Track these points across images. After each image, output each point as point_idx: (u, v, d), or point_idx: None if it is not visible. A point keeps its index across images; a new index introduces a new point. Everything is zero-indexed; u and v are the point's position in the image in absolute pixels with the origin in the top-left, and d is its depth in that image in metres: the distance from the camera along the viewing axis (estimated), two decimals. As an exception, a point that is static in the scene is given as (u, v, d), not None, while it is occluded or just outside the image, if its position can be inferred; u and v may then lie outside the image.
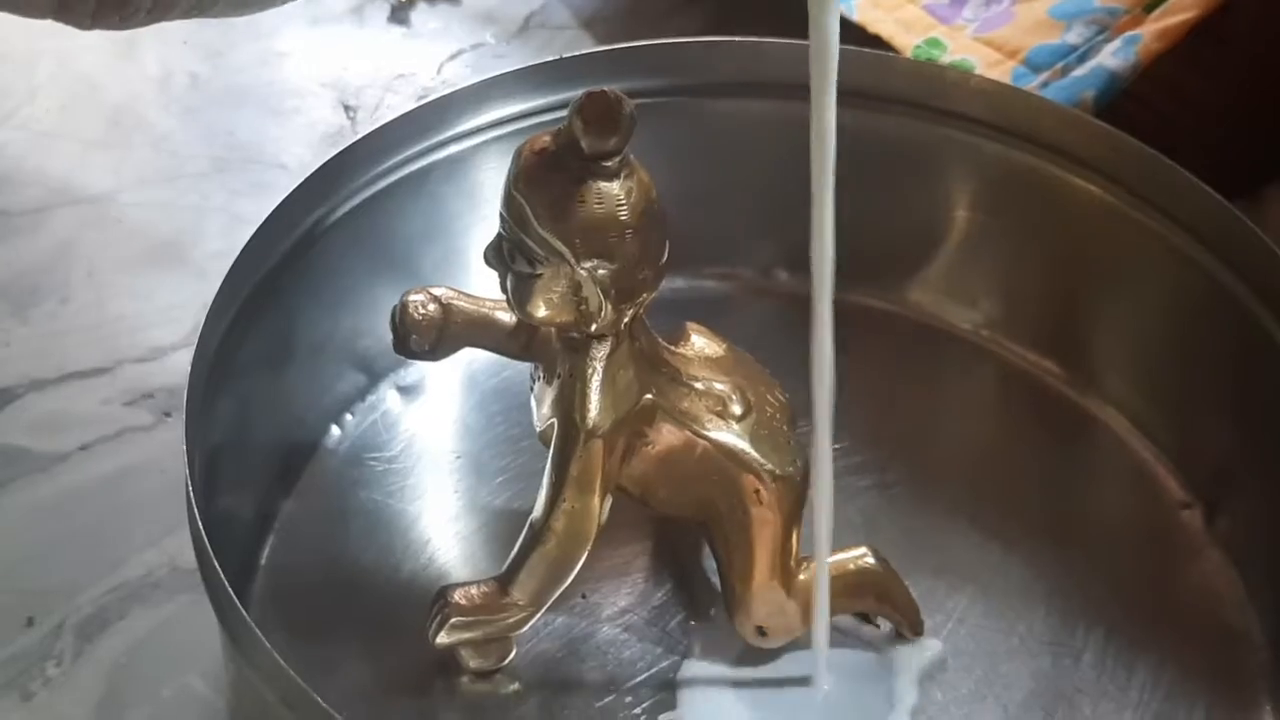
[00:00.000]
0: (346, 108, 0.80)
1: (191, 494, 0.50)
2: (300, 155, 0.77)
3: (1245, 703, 0.56)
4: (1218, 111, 0.71)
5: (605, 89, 0.49)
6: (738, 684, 0.56)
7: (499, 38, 0.85)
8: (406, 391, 0.65)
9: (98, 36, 0.83)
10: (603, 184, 0.49)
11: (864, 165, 0.67)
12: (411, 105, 0.65)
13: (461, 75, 0.82)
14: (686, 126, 0.68)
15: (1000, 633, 0.57)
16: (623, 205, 0.49)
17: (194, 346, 0.54)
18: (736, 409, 0.55)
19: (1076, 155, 0.64)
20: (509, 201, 0.50)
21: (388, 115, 0.64)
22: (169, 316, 0.69)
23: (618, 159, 0.49)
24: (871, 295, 0.69)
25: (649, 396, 0.53)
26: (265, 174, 0.76)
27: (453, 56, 0.84)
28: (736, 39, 0.67)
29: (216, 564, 0.48)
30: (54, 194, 0.76)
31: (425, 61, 0.83)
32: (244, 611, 0.48)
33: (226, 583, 0.48)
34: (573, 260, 0.50)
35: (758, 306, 0.69)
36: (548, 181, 0.49)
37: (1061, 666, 0.56)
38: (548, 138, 0.50)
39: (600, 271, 0.50)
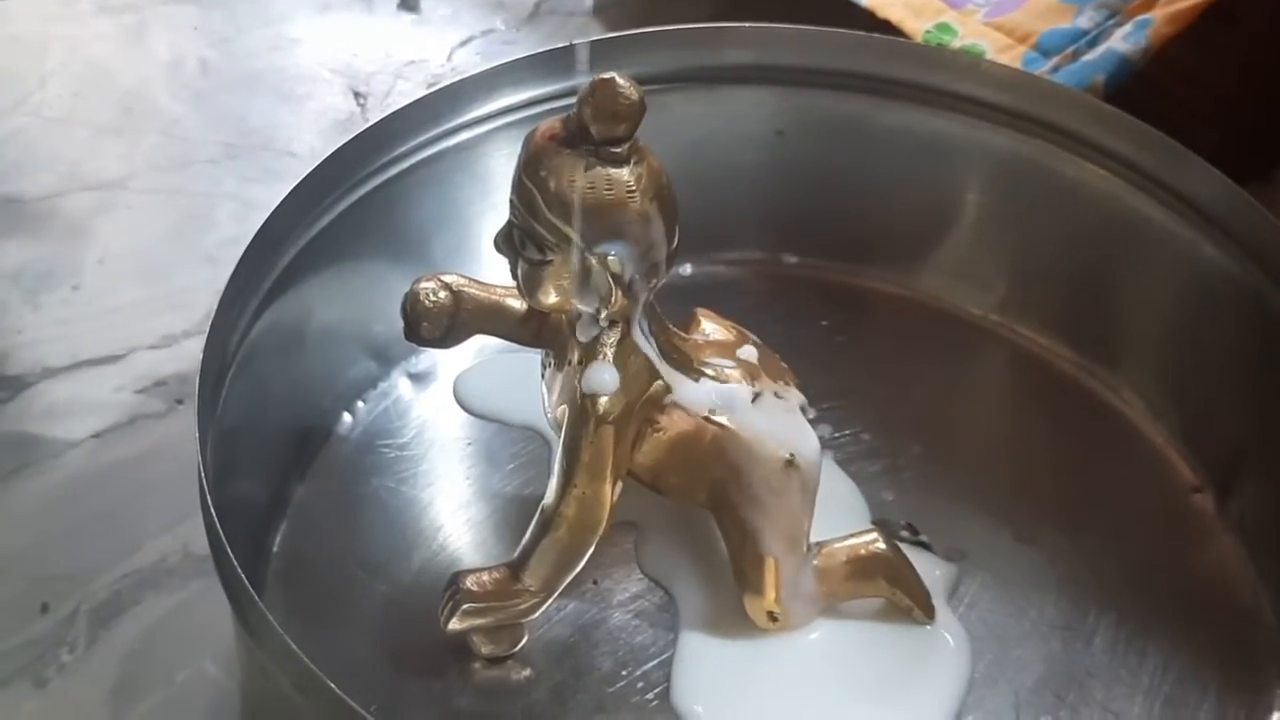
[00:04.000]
0: (357, 94, 0.80)
1: (204, 481, 0.50)
2: (310, 142, 0.77)
3: (1257, 685, 0.56)
4: (1229, 95, 0.71)
5: (614, 75, 0.49)
6: (742, 665, 0.56)
7: (509, 24, 0.85)
8: (418, 378, 0.65)
9: (108, 23, 0.84)
10: (612, 170, 0.49)
11: (875, 150, 0.68)
12: (421, 92, 0.65)
13: (471, 62, 0.82)
14: (696, 112, 0.68)
15: (1011, 617, 0.57)
16: (632, 191, 0.49)
17: (206, 334, 0.54)
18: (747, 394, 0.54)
19: (1088, 139, 0.64)
20: (519, 188, 0.50)
21: (398, 102, 0.64)
22: (181, 303, 0.69)
23: (627, 145, 0.49)
24: (883, 279, 0.69)
25: (660, 382, 0.53)
26: (276, 161, 0.77)
27: (463, 43, 0.84)
28: (746, 24, 0.67)
29: (229, 550, 0.49)
30: (66, 180, 0.76)
31: (435, 48, 0.83)
32: (256, 597, 0.48)
33: (239, 568, 0.48)
34: (583, 246, 0.50)
35: (767, 291, 0.69)
36: (557, 168, 0.49)
37: (1073, 650, 0.56)
38: (557, 124, 0.50)
39: (610, 258, 0.50)
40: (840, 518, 0.59)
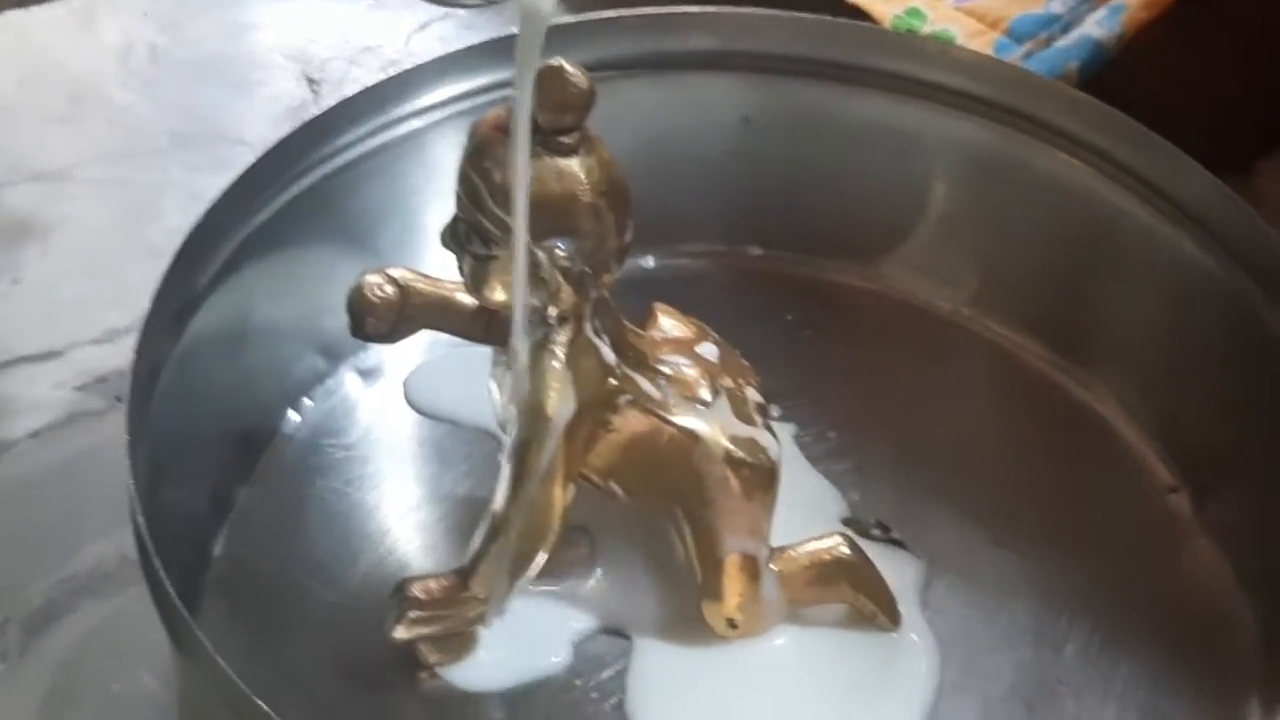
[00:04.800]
0: (310, 81, 0.79)
1: (132, 485, 0.48)
2: (262, 130, 0.75)
3: (1233, 692, 0.55)
4: (1207, 83, 0.70)
5: (562, 63, 0.47)
6: (701, 674, 0.54)
7: (469, 9, 0.84)
8: (367, 375, 0.63)
9: (56, 8, 0.82)
10: (560, 161, 0.48)
11: (841, 139, 0.68)
12: (376, 78, 0.63)
13: (430, 47, 0.80)
14: (660, 99, 0.67)
15: (981, 622, 0.56)
16: (582, 183, 0.48)
17: (142, 329, 0.53)
18: (705, 394, 0.53)
19: (1060, 129, 0.63)
20: (463, 180, 0.49)
21: (353, 89, 0.63)
22: (124, 297, 0.67)
23: (576, 135, 0.48)
24: (849, 272, 0.68)
25: (613, 381, 0.52)
26: (227, 149, 0.75)
27: (421, 28, 0.82)
28: (710, 9, 0.66)
29: (157, 561, 0.47)
30: (10, 170, 0.74)
31: (393, 33, 0.82)
32: (184, 611, 0.46)
33: (166, 580, 0.46)
34: (529, 240, 0.48)
35: (731, 284, 0.68)
36: (503, 159, 0.47)
37: (1044, 657, 0.55)
38: (503, 113, 0.48)
39: (559, 252, 0.48)
40: (810, 516, 0.58)
